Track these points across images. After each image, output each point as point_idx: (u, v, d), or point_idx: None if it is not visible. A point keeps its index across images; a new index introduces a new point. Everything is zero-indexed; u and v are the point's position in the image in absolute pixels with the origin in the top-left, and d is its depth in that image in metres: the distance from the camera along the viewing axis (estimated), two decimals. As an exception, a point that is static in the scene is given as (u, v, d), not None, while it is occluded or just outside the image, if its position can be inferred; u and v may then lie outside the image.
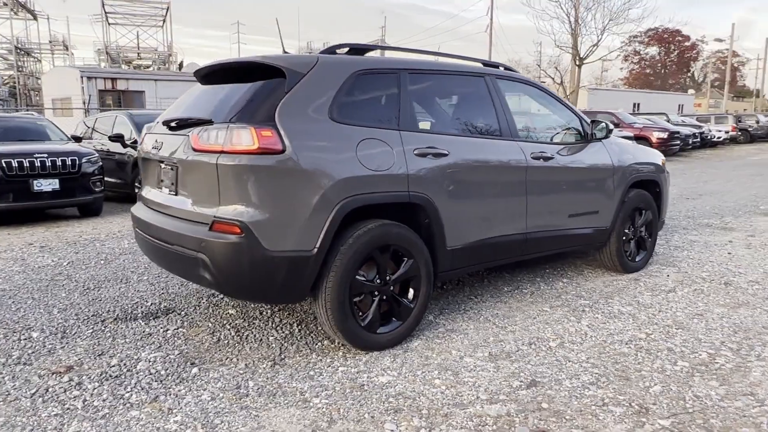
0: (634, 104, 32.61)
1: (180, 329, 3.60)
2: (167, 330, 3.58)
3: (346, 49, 3.47)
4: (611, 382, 2.89)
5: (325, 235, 2.94)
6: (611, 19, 23.96)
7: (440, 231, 3.43)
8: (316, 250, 2.93)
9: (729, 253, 5.68)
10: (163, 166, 3.39)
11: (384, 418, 2.55)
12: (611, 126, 4.46)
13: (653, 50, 68.25)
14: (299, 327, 3.61)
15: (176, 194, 3.24)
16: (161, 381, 2.90)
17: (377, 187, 3.13)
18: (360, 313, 3.18)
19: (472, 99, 3.86)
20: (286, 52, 3.62)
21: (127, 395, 2.76)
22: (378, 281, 3.22)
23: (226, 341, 3.41)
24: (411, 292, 3.38)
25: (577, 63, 25.35)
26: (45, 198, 7.42)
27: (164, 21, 38.80)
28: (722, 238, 6.42)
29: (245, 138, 2.82)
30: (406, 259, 3.30)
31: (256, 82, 3.10)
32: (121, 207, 9.20)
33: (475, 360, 3.16)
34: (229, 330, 3.58)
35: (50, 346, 3.35)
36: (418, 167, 3.29)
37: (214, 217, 2.89)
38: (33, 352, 3.26)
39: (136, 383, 2.87)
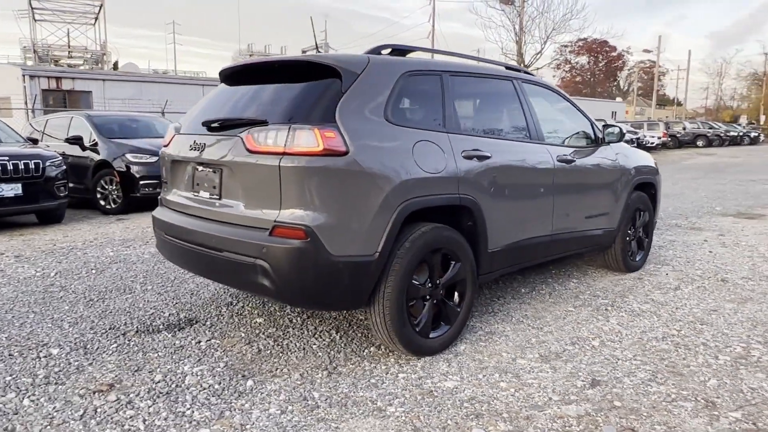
0: (573, 111, 33.90)
1: (213, 340, 3.41)
2: (199, 342, 3.39)
3: (388, 50, 3.41)
4: (668, 378, 2.97)
5: (386, 239, 2.87)
6: (554, 29, 24.91)
7: (483, 233, 3.42)
8: (377, 254, 2.86)
9: (710, 252, 5.98)
10: (200, 168, 3.21)
11: (469, 424, 2.51)
12: (624, 131, 4.61)
13: (583, 59, 71.49)
14: (338, 334, 3.51)
15: (220, 198, 3.08)
16: (218, 396, 2.74)
17: (433, 190, 3.09)
18: (413, 319, 3.12)
19: (504, 102, 3.88)
20: (319, 51, 3.51)
21: (188, 412, 2.58)
22: (429, 285, 3.17)
23: (267, 351, 3.27)
24: (456, 295, 3.36)
25: (522, 70, 26.11)
26: (7, 204, 6.89)
27: (96, 18, 37.06)
28: (696, 238, 6.76)
29: (309, 139, 2.71)
30: (453, 262, 3.28)
31: (309, 82, 2.99)
32: (80, 213, 8.69)
33: (528, 362, 3.17)
34: (266, 340, 3.43)
35: (76, 363, 3.10)
36: (466, 169, 3.28)
37: (275, 221, 2.76)
38: (60, 371, 3.00)
39: (192, 399, 2.70)
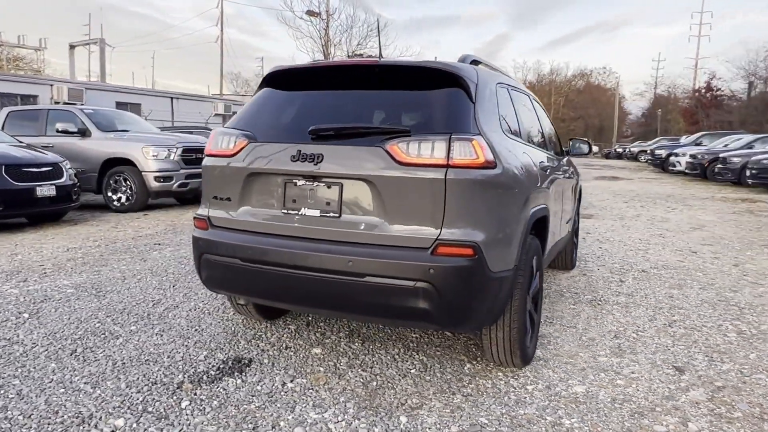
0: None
1: (297, 380, 2.96)
2: (284, 384, 2.91)
3: (469, 61, 3.34)
4: (720, 356, 3.46)
5: (519, 252, 2.85)
6: (359, 44, 26.04)
7: (546, 242, 3.57)
8: (514, 267, 2.82)
9: (601, 248, 6.97)
10: (301, 182, 2.76)
11: (644, 423, 2.63)
12: (591, 143, 5.16)
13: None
14: (421, 356, 3.32)
15: (339, 215, 2.70)
16: (391, 439, 2.42)
17: (540, 200, 3.15)
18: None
19: (531, 113, 4.07)
20: (381, 57, 3.28)
21: (385, 464, 2.24)
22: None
23: (373, 383, 2.96)
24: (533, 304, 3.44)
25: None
26: None
27: None
28: (573, 236, 7.79)
29: (469, 151, 2.56)
30: (537, 271, 3.36)
31: (436, 90, 2.80)
32: None
33: (609, 359, 3.40)
34: (354, 371, 3.09)
35: (163, 432, 2.43)
36: (543, 180, 3.40)
37: (438, 239, 2.53)
38: (155, 445, 2.33)
39: (370, 449, 2.34)
